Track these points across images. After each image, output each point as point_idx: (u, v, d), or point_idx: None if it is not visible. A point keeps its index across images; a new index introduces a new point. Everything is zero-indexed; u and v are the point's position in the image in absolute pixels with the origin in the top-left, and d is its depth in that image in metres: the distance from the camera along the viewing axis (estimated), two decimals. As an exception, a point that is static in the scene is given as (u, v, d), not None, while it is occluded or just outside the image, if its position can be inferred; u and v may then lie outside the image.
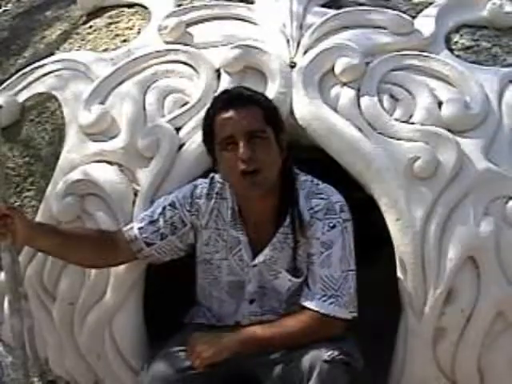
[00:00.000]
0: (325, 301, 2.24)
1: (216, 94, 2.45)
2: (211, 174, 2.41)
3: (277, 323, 2.28)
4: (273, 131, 2.27)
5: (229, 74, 2.60)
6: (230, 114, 2.24)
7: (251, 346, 2.24)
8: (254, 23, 2.74)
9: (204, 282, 2.44)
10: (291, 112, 2.55)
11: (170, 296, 2.64)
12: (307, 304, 2.26)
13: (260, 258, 2.33)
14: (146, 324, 2.57)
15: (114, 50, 2.82)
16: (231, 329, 2.33)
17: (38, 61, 2.87)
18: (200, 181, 2.42)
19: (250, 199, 2.31)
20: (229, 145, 2.23)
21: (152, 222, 2.38)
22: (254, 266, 2.34)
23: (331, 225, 2.28)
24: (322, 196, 2.31)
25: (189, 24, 2.76)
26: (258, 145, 2.22)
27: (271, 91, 2.53)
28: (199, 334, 2.33)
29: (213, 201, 2.36)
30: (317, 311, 2.24)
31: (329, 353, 2.14)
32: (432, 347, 2.42)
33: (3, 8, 3.85)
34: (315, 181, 2.35)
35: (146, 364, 2.33)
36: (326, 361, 2.13)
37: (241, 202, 2.34)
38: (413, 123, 2.50)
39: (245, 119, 2.23)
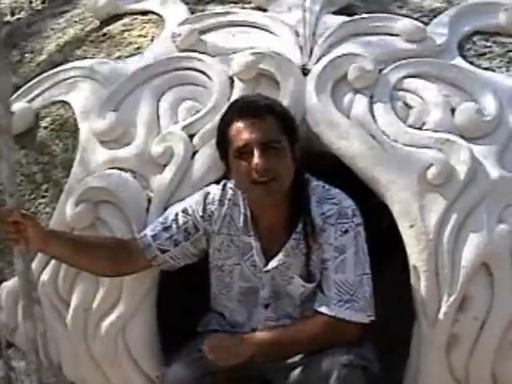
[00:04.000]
0: (341, 306, 2.24)
1: (232, 100, 2.45)
2: (223, 181, 2.42)
3: (293, 327, 2.28)
4: (288, 140, 2.27)
5: (242, 81, 2.61)
6: (245, 123, 2.24)
7: (268, 350, 2.24)
8: (267, 30, 2.74)
9: (216, 290, 2.45)
10: (304, 119, 2.56)
11: (184, 303, 2.65)
12: (323, 310, 2.26)
13: (273, 264, 2.33)
14: (159, 330, 2.57)
15: (127, 57, 2.84)
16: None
17: (51, 68, 2.89)
18: (212, 187, 2.43)
19: (263, 207, 2.32)
20: (243, 153, 2.23)
21: (165, 229, 2.38)
22: (267, 271, 2.34)
23: (343, 229, 2.28)
24: (334, 201, 2.31)
25: (202, 31, 2.77)
26: (272, 155, 2.22)
27: (284, 98, 2.53)
28: (216, 335, 2.32)
29: (225, 207, 2.37)
30: (333, 316, 2.23)
31: (346, 357, 2.14)
32: (445, 354, 2.41)
33: (16, 16, 3.87)
34: (326, 186, 2.35)
35: (161, 372, 2.33)
36: (344, 365, 2.13)
37: (253, 208, 2.34)
38: (426, 130, 2.50)
39: (260, 129, 2.23)
